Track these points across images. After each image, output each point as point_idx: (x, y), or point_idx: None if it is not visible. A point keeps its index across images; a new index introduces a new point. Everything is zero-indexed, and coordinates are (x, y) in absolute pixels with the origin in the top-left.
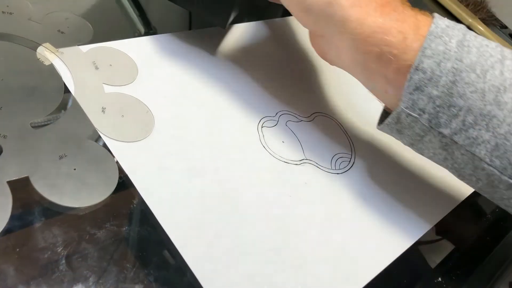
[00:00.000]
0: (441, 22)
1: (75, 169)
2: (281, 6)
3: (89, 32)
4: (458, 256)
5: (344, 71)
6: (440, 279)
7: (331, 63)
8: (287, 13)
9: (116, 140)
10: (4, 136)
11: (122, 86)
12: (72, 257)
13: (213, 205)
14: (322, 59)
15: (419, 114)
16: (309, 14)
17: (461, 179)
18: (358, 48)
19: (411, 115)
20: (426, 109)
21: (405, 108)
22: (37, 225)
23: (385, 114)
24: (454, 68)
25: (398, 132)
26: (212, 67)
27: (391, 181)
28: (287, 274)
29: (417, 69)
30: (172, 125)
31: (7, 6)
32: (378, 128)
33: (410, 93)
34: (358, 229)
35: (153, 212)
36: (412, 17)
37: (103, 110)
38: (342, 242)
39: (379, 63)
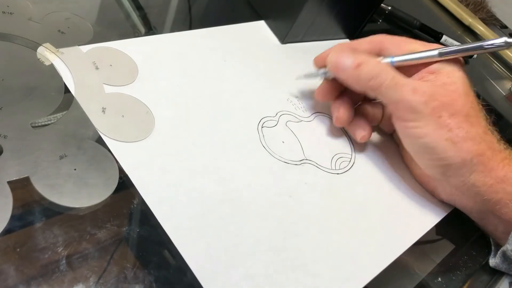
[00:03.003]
0: None
1: (75, 169)
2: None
3: (89, 32)
4: (458, 256)
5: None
6: (440, 279)
7: (438, 197)
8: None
9: (116, 140)
10: (5, 136)
11: (123, 86)
12: (72, 257)
13: (213, 205)
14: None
15: None
16: (444, 168)
17: None
18: (479, 195)
19: None
20: None
21: (511, 250)
22: (38, 225)
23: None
24: None
25: (506, 262)
26: (212, 67)
27: (391, 181)
28: (287, 274)
29: None
30: (172, 125)
31: (8, 6)
32: (491, 263)
33: None
34: (358, 229)
35: (153, 212)
36: None
37: (104, 110)
38: (342, 242)
39: (496, 206)
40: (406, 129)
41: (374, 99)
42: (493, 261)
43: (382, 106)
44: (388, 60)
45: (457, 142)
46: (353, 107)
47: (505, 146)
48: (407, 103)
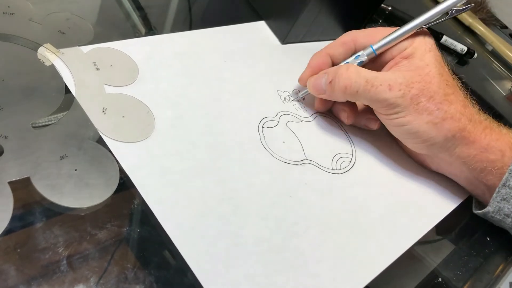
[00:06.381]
0: None
1: (76, 170)
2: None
3: (90, 33)
4: (458, 256)
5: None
6: (440, 279)
7: (428, 168)
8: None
9: (117, 140)
10: (5, 137)
11: (123, 87)
12: (73, 257)
13: (213, 205)
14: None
15: (504, 218)
16: (429, 147)
17: None
18: (465, 165)
19: (496, 217)
20: (510, 214)
21: (492, 212)
22: (38, 225)
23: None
24: None
25: (486, 218)
26: (212, 67)
27: (392, 181)
28: (287, 274)
29: (504, 185)
30: (172, 126)
31: (8, 6)
32: (474, 212)
33: (498, 202)
34: (358, 229)
35: (154, 212)
36: (506, 135)
37: (104, 110)
38: (342, 242)
39: (481, 174)
40: (389, 120)
41: None
42: (475, 212)
43: None
44: (369, 50)
45: (437, 123)
46: (354, 104)
47: (485, 116)
48: (385, 102)
